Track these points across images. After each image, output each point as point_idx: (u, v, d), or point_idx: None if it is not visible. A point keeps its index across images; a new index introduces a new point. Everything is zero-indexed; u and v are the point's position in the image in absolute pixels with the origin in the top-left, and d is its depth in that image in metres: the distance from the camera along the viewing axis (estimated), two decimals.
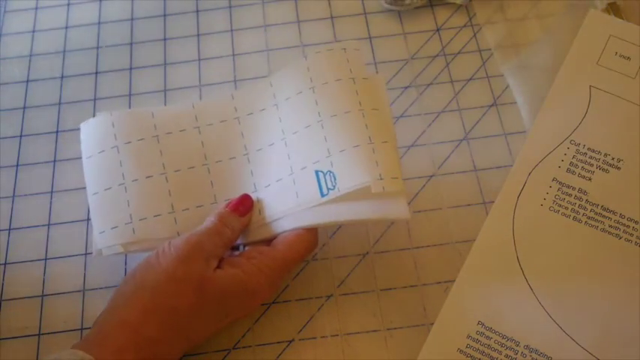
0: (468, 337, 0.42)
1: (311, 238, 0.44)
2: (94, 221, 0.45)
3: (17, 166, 0.54)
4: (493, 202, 0.48)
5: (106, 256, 0.45)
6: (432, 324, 0.44)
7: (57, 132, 0.55)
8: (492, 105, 0.54)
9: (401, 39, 0.57)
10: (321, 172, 0.43)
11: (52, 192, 0.52)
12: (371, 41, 0.57)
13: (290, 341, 0.45)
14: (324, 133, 0.44)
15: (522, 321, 0.43)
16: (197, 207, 0.46)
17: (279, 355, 0.45)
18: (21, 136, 0.55)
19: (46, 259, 0.49)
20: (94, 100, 0.56)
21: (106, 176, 0.45)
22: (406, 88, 0.55)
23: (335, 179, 0.42)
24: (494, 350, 0.42)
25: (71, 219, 0.51)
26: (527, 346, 0.42)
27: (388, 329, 0.45)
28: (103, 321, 0.40)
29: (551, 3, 0.57)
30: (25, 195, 0.52)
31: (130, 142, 0.46)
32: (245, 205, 0.45)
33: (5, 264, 0.49)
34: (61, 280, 0.48)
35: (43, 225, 0.51)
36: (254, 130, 0.47)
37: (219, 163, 0.47)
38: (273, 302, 0.46)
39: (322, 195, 0.43)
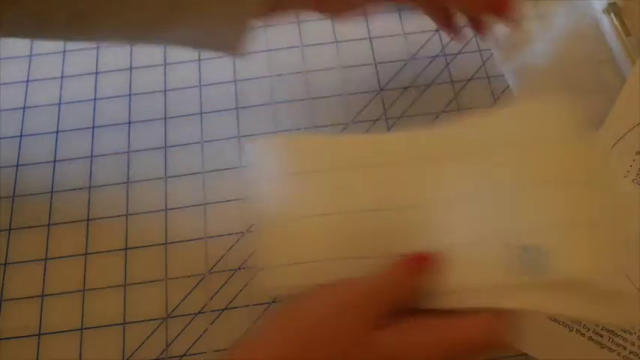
0: None
1: (498, 328, 0.34)
2: (263, 252, 0.42)
3: (17, 166, 0.53)
4: None
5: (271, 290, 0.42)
6: None
7: (57, 132, 0.55)
8: (492, 105, 0.54)
9: (401, 39, 0.57)
10: (523, 246, 0.35)
11: (52, 192, 0.52)
12: (371, 41, 0.57)
13: None
14: (533, 200, 0.36)
15: None
16: (368, 257, 0.40)
17: None
18: (21, 136, 0.55)
19: (46, 259, 0.49)
20: (94, 100, 0.56)
21: (279, 208, 0.42)
22: (406, 88, 0.55)
23: (542, 258, 0.35)
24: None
25: (71, 219, 0.51)
26: None
27: None
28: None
29: (551, 3, 0.58)
30: (25, 195, 0.52)
31: (305, 174, 0.41)
32: (424, 264, 0.37)
33: (5, 264, 0.49)
34: (61, 280, 0.48)
35: (43, 225, 0.51)
36: (444, 178, 0.40)
37: (398, 211, 0.40)
38: (272, 301, 0.46)
39: (522, 274, 0.35)
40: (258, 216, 0.41)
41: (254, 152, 0.43)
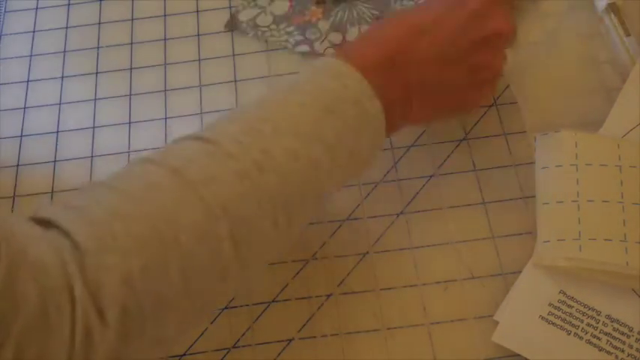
0: (550, 304, 0.43)
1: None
2: (539, 229, 0.45)
3: (17, 166, 0.54)
4: (493, 202, 0.48)
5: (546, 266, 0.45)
6: (432, 324, 0.44)
7: (57, 132, 0.55)
8: (492, 105, 0.53)
9: None
10: None
11: (52, 192, 0.52)
12: None
13: (290, 340, 0.45)
14: None
15: (604, 291, 0.44)
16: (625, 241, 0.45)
17: (279, 354, 0.45)
18: (21, 136, 0.55)
19: None
20: (95, 100, 0.56)
21: (560, 190, 0.46)
22: None
23: None
24: (576, 319, 0.43)
25: None
26: (608, 316, 0.43)
27: (388, 329, 0.45)
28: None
29: (552, 3, 0.57)
30: (25, 195, 0.52)
31: (590, 165, 0.46)
32: None
33: None
34: None
35: None
36: None
37: None
38: (272, 301, 0.46)
39: None
40: (543, 194, 0.46)
41: (544, 142, 0.48)
